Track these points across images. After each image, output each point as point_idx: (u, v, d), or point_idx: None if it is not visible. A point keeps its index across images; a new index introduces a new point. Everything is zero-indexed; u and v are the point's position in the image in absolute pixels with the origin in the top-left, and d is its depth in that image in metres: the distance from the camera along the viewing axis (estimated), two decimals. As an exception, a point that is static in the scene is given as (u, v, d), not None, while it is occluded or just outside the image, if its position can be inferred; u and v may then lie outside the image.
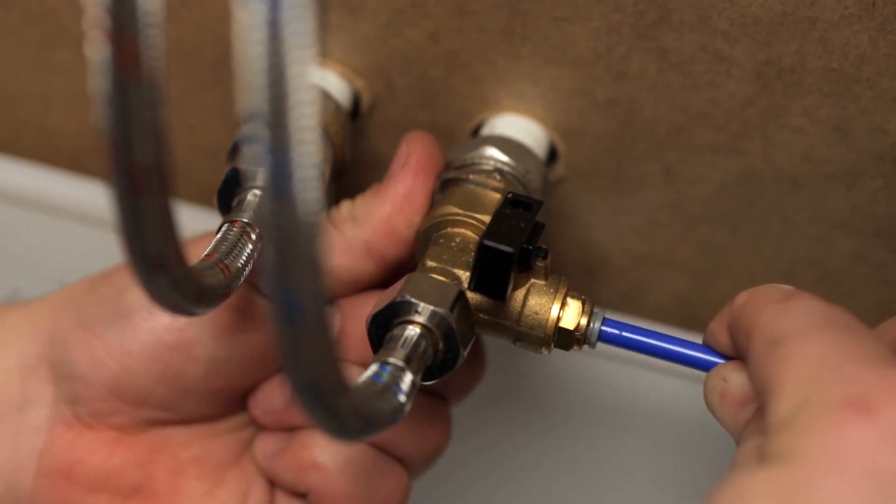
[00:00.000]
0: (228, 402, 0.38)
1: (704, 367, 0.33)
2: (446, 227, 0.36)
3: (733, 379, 0.32)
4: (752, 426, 0.30)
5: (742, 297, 0.31)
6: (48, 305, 0.38)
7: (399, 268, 0.37)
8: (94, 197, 0.48)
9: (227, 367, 0.37)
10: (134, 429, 0.37)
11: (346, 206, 0.38)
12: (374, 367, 0.30)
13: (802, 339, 0.27)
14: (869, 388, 0.24)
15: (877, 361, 0.26)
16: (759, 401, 0.29)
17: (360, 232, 0.37)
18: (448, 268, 0.34)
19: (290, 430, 0.38)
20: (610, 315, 0.35)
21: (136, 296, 0.36)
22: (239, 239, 0.33)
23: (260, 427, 0.39)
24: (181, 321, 0.36)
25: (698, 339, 0.42)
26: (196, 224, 0.42)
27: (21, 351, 0.38)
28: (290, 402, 0.38)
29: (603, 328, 0.34)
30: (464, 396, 0.41)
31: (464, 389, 0.40)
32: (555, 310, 0.34)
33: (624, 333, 0.34)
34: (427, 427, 0.39)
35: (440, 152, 0.38)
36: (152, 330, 0.36)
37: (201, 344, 0.36)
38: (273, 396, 0.38)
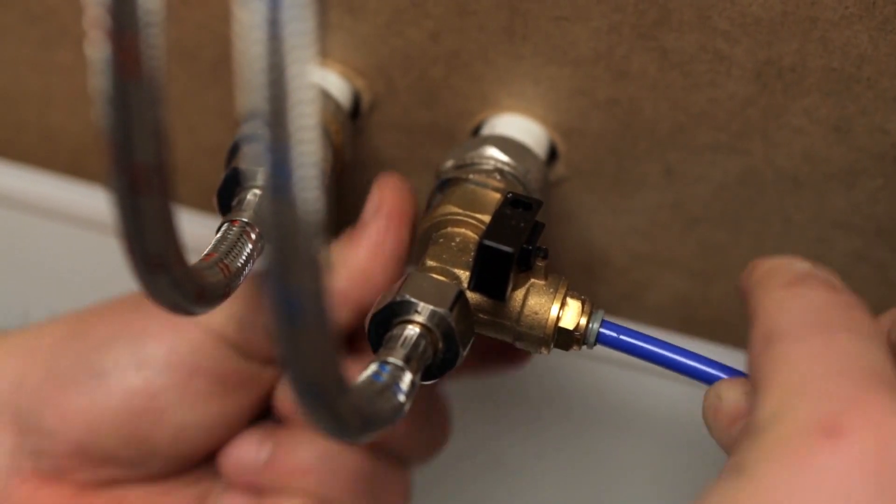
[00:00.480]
0: (191, 462, 0.38)
1: (700, 377, 0.33)
2: (446, 227, 0.36)
3: (726, 396, 0.31)
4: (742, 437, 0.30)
5: (757, 270, 0.30)
6: (16, 348, 0.38)
7: None
8: (93, 201, 0.48)
9: (195, 433, 0.37)
10: (93, 486, 0.37)
11: None
12: (373, 367, 0.30)
13: (794, 341, 0.26)
14: (843, 410, 0.24)
15: (862, 377, 0.25)
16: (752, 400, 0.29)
17: (335, 281, 0.36)
18: (448, 267, 0.34)
19: (259, 492, 0.38)
20: (610, 316, 0.35)
21: (110, 356, 0.36)
22: (239, 238, 0.33)
23: (224, 482, 0.39)
24: (155, 387, 0.36)
25: (698, 343, 0.42)
26: (196, 228, 0.42)
27: None
28: (264, 464, 0.37)
29: (601, 330, 0.34)
30: (426, 460, 0.40)
31: (427, 452, 0.40)
32: (554, 310, 0.34)
33: (622, 337, 0.34)
34: (385, 496, 0.38)
35: (412, 196, 0.38)
36: (125, 394, 0.36)
37: (173, 410, 0.36)
38: (247, 455, 0.37)
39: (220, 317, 0.36)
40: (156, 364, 0.36)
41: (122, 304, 0.38)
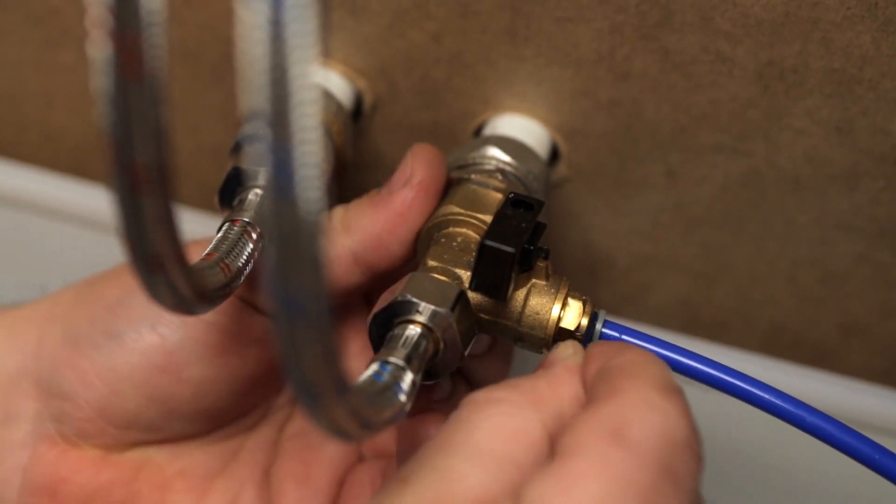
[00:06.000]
0: (214, 420, 0.38)
1: (700, 377, 0.33)
2: (448, 227, 0.36)
3: (574, 360, 0.31)
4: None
5: (636, 356, 0.29)
6: (31, 317, 0.38)
7: (388, 278, 0.37)
8: (94, 201, 0.48)
9: (215, 388, 0.37)
10: (119, 448, 0.37)
11: (338, 214, 0.37)
12: (374, 367, 0.30)
13: (635, 458, 0.26)
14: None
15: None
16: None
17: (350, 242, 0.36)
18: (449, 267, 0.34)
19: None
20: (612, 316, 0.35)
21: (125, 316, 0.36)
22: (240, 238, 0.33)
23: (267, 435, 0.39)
24: (171, 343, 0.36)
25: (700, 343, 0.42)
26: (198, 228, 0.42)
27: (2, 364, 0.37)
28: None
29: (602, 330, 0.34)
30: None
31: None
32: (555, 310, 0.34)
33: (623, 337, 0.34)
34: None
35: (444, 169, 0.38)
36: (143, 352, 0.36)
37: (191, 366, 0.36)
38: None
39: None
40: (170, 321, 0.36)
41: None
